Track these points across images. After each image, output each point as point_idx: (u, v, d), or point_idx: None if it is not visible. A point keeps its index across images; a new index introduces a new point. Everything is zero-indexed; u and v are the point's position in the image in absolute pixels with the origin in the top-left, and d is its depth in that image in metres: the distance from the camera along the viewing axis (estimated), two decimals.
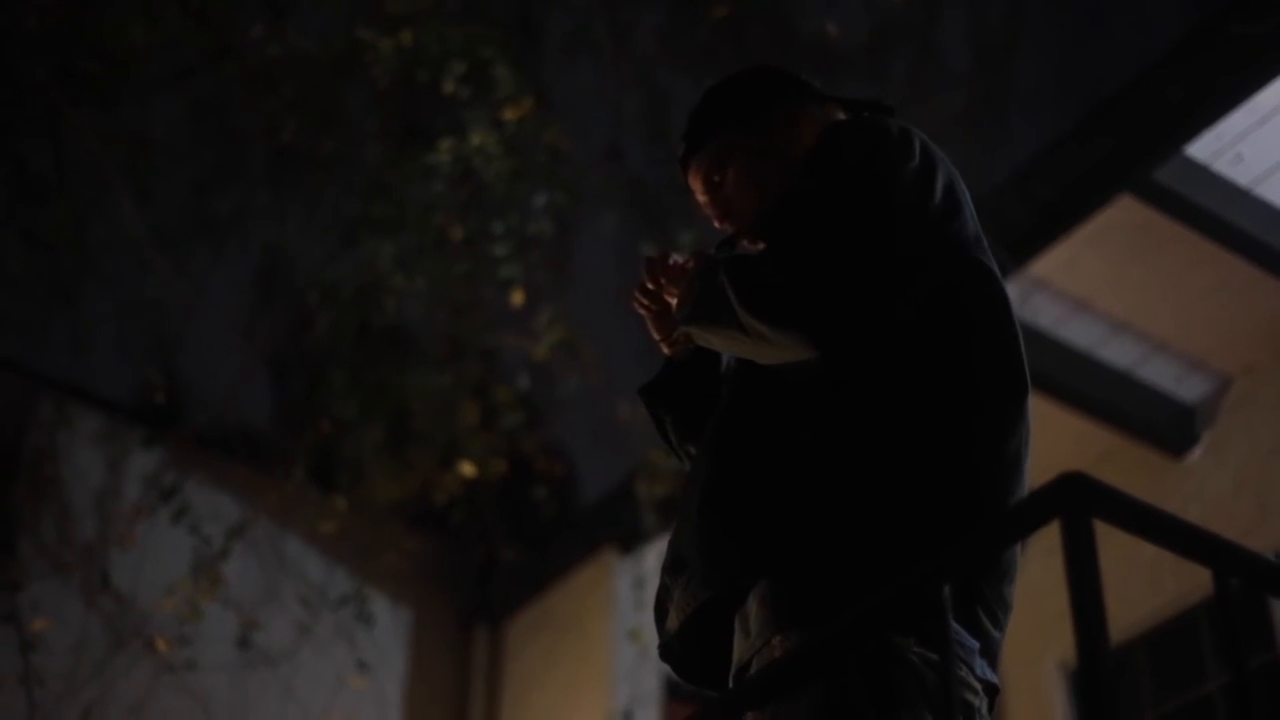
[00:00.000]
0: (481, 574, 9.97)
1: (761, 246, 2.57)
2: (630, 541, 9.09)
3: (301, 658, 8.87)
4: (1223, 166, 6.37)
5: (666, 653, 2.59)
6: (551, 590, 9.78)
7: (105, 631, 8.01)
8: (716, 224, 2.74)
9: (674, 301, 2.62)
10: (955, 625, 2.23)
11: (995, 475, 2.39)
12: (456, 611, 10.11)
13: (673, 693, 9.05)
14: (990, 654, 2.37)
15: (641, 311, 2.75)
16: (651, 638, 9.02)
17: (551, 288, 8.62)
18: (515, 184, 7.80)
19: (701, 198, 2.75)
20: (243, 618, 8.21)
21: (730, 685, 2.47)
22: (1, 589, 7.29)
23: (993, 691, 2.38)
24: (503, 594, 10.02)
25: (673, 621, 2.52)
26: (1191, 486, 7.25)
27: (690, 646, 2.54)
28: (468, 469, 8.46)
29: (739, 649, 2.42)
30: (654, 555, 8.85)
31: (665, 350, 2.77)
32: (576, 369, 8.53)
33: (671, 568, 2.54)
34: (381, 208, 8.06)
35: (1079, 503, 1.80)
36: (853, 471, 2.33)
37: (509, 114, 7.60)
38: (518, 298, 8.06)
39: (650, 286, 2.68)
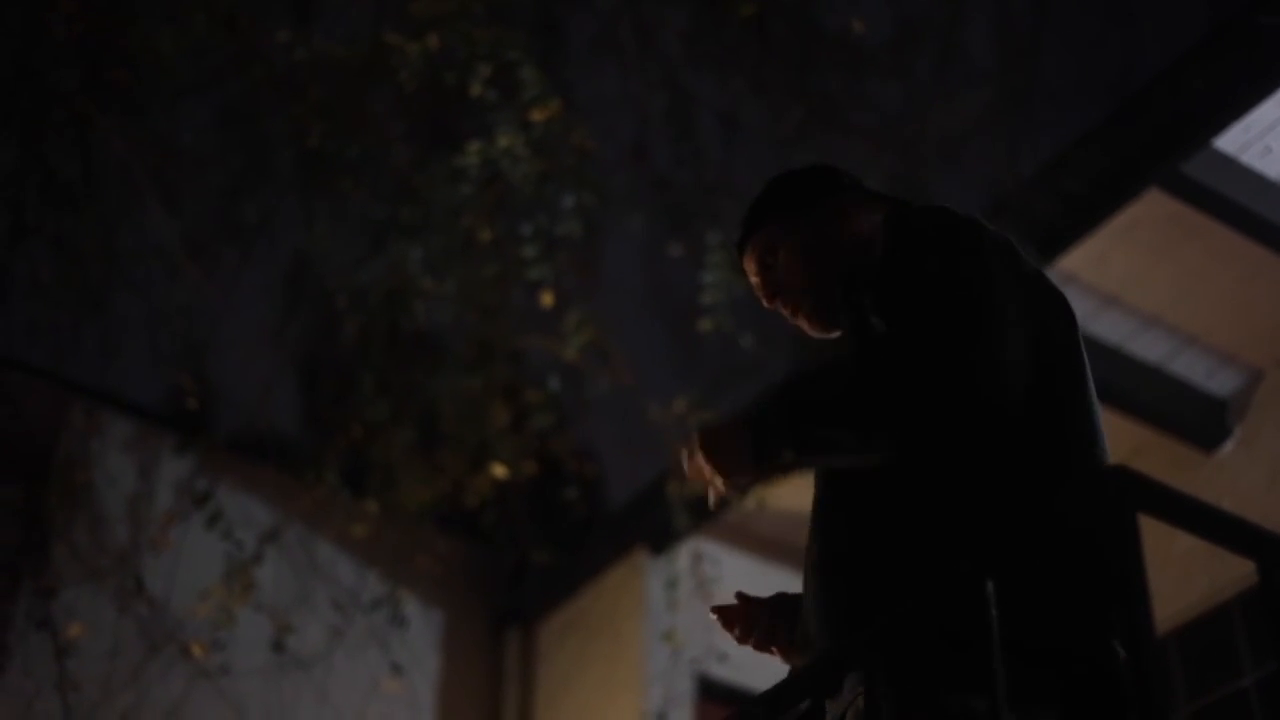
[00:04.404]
0: (513, 576, 9.96)
1: (816, 323, 2.83)
2: (662, 542, 9.07)
3: (335, 661, 8.88)
4: (1251, 159, 6.34)
5: None
6: (583, 592, 9.77)
7: (140, 637, 8.03)
8: (766, 304, 2.93)
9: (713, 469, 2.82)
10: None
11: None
12: (489, 613, 10.10)
13: (706, 694, 9.03)
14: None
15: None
16: (684, 638, 8.94)
17: (580, 289, 8.62)
18: (543, 186, 7.80)
19: (754, 279, 2.95)
20: (276, 622, 8.24)
21: None
22: (36, 595, 7.34)
23: None
24: (534, 596, 10.01)
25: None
26: (1224, 481, 7.20)
27: None
28: (498, 471, 8.45)
29: (830, 712, 2.50)
30: (686, 555, 8.84)
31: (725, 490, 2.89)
32: (606, 370, 8.52)
33: (802, 646, 2.67)
34: (409, 211, 8.07)
35: (1124, 497, 1.80)
36: (931, 537, 2.45)
37: (536, 115, 7.60)
38: (547, 299, 8.06)
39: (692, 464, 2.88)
